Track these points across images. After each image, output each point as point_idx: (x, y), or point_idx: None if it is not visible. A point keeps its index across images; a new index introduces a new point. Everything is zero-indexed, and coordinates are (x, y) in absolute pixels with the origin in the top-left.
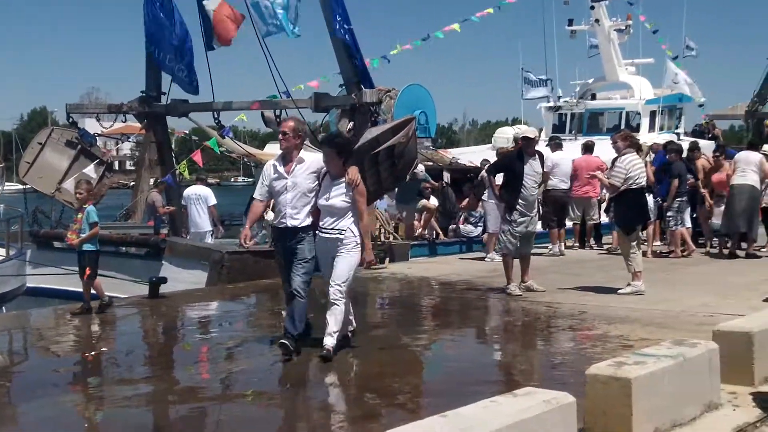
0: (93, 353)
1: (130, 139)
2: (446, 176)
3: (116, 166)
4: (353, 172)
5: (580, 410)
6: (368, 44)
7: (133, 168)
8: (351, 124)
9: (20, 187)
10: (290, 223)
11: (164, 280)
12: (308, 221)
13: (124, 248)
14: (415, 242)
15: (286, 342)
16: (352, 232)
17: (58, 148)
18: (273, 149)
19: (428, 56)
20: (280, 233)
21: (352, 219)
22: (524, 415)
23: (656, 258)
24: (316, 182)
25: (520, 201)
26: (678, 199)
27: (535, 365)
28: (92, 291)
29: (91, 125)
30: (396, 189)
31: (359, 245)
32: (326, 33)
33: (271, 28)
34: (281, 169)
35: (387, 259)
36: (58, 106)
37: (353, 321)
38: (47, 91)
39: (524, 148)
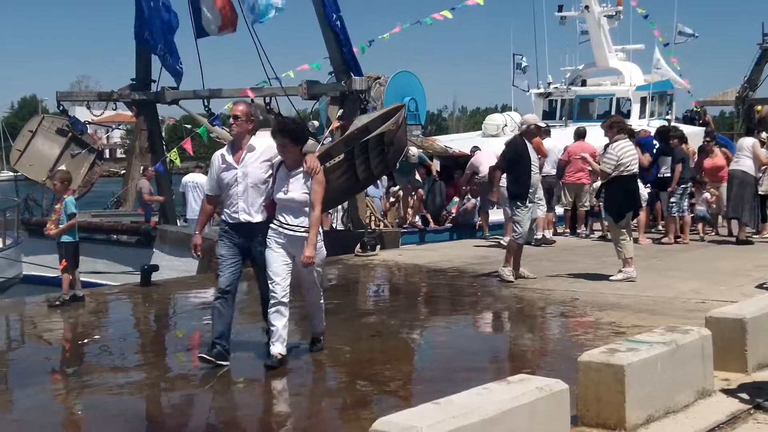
0: (85, 341)
1: (120, 127)
2: (436, 164)
3: (107, 154)
4: (311, 159)
5: (573, 397)
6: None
7: (124, 156)
8: (341, 111)
9: (11, 175)
10: (244, 218)
11: (156, 268)
12: (263, 216)
13: (115, 236)
14: (406, 230)
15: (206, 355)
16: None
17: (49, 135)
18: (263, 135)
19: (418, 43)
20: (233, 228)
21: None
22: (517, 402)
23: (650, 244)
24: (269, 172)
25: (529, 189)
26: (682, 185)
27: (528, 352)
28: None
29: (81, 113)
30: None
31: (321, 242)
32: (315, 19)
33: (259, 13)
34: (230, 158)
35: (378, 247)
36: (48, 94)
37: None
38: (37, 79)
39: (530, 135)
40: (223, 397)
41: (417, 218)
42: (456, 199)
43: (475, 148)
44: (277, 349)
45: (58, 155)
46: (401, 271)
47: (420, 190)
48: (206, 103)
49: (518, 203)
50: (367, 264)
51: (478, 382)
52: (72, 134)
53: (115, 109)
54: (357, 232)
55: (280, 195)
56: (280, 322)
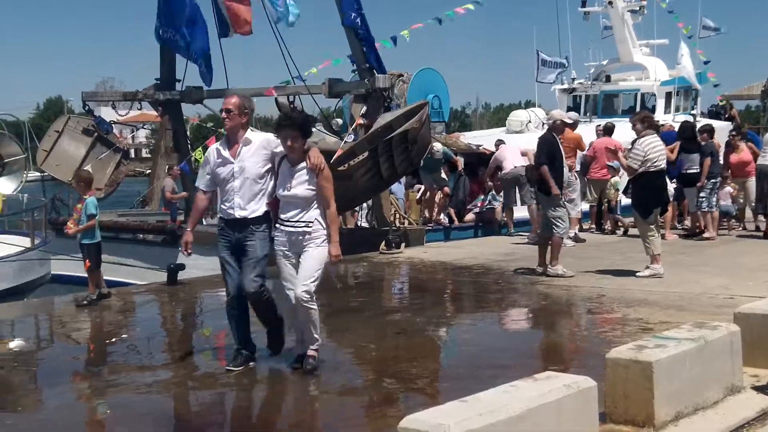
0: (113, 340)
1: (145, 127)
2: (461, 161)
3: (132, 153)
4: (315, 155)
5: (601, 394)
6: (381, 26)
7: (149, 156)
8: (364, 109)
9: (38, 175)
10: (239, 213)
11: (182, 266)
12: (260, 212)
13: (141, 235)
14: (430, 227)
15: (232, 367)
16: (320, 223)
17: (75, 136)
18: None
19: (440, 40)
20: (227, 225)
21: (319, 209)
22: (544, 399)
23: (677, 240)
24: (267, 166)
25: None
26: (711, 180)
27: (555, 349)
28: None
29: (107, 113)
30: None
31: (327, 238)
32: (338, 16)
33: (281, 14)
34: (225, 153)
35: (403, 244)
36: (74, 94)
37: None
38: (62, 80)
39: (558, 131)
40: (249, 396)
41: (442, 216)
42: (481, 195)
43: (500, 142)
44: (311, 352)
45: (84, 155)
46: (426, 268)
47: (446, 188)
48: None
49: (555, 199)
50: (392, 261)
51: (504, 379)
52: (98, 134)
53: (140, 109)
54: (382, 230)
55: (283, 191)
56: (309, 323)
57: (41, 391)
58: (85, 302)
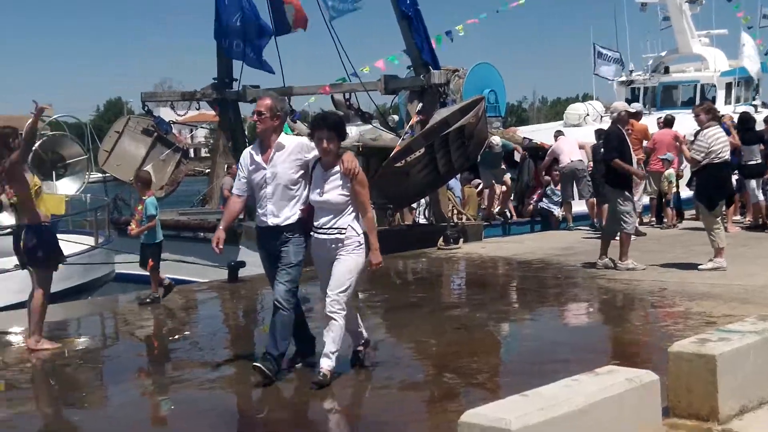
0: (176, 337)
1: (203, 126)
2: (517, 155)
3: (192, 153)
4: (348, 158)
5: (664, 388)
6: (435, 21)
7: (208, 155)
8: (420, 105)
9: (100, 176)
10: (272, 221)
11: (243, 264)
12: (293, 218)
13: (201, 234)
14: (488, 222)
15: (261, 365)
16: (354, 230)
17: (135, 136)
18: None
19: (495, 34)
20: (263, 234)
21: (353, 215)
22: (606, 393)
23: (739, 232)
24: (301, 172)
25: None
26: None
27: (616, 343)
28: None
29: (165, 113)
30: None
31: (362, 245)
32: (393, 12)
33: (333, 13)
34: (258, 158)
35: (461, 240)
36: (133, 96)
37: (364, 333)
38: (121, 81)
39: (623, 123)
40: (310, 392)
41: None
42: (539, 189)
43: (559, 133)
44: (326, 364)
45: (144, 155)
46: (485, 263)
47: (507, 181)
48: (287, 100)
49: (625, 193)
50: (450, 257)
51: (565, 374)
52: (157, 134)
53: (198, 109)
54: (439, 226)
55: (315, 197)
56: (329, 335)
57: (106, 387)
58: (148, 300)
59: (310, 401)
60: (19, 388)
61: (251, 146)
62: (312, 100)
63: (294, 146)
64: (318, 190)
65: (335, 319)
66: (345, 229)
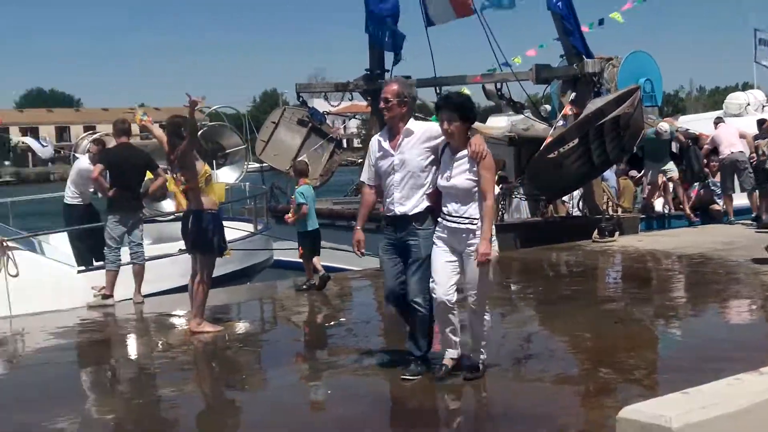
0: (331, 323)
1: (356, 117)
2: (674, 146)
3: (344, 143)
4: (477, 141)
5: None
6: (586, 7)
7: (360, 145)
8: (573, 95)
9: (257, 165)
10: (399, 210)
11: None
12: (421, 207)
13: (355, 222)
14: (644, 215)
15: (408, 377)
16: None
17: (291, 126)
18: (495, 122)
19: (650, 21)
20: (389, 223)
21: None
22: None
23: None
24: (431, 158)
25: None
26: None
27: None
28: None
29: (319, 104)
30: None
31: (494, 238)
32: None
33: (486, 2)
34: (386, 144)
35: (616, 233)
36: (288, 87)
37: (484, 355)
38: (276, 73)
39: None
40: (463, 383)
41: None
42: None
43: (719, 120)
44: (446, 357)
45: (299, 145)
46: (641, 257)
47: (674, 176)
48: (438, 90)
49: None
50: (605, 250)
51: (728, 372)
52: (312, 124)
53: (351, 100)
54: (594, 218)
55: (443, 182)
56: (444, 326)
57: (265, 371)
58: (304, 287)
59: (463, 391)
60: (181, 369)
61: (379, 133)
62: (464, 91)
63: (423, 132)
64: (446, 174)
65: (480, 314)
66: (477, 219)
